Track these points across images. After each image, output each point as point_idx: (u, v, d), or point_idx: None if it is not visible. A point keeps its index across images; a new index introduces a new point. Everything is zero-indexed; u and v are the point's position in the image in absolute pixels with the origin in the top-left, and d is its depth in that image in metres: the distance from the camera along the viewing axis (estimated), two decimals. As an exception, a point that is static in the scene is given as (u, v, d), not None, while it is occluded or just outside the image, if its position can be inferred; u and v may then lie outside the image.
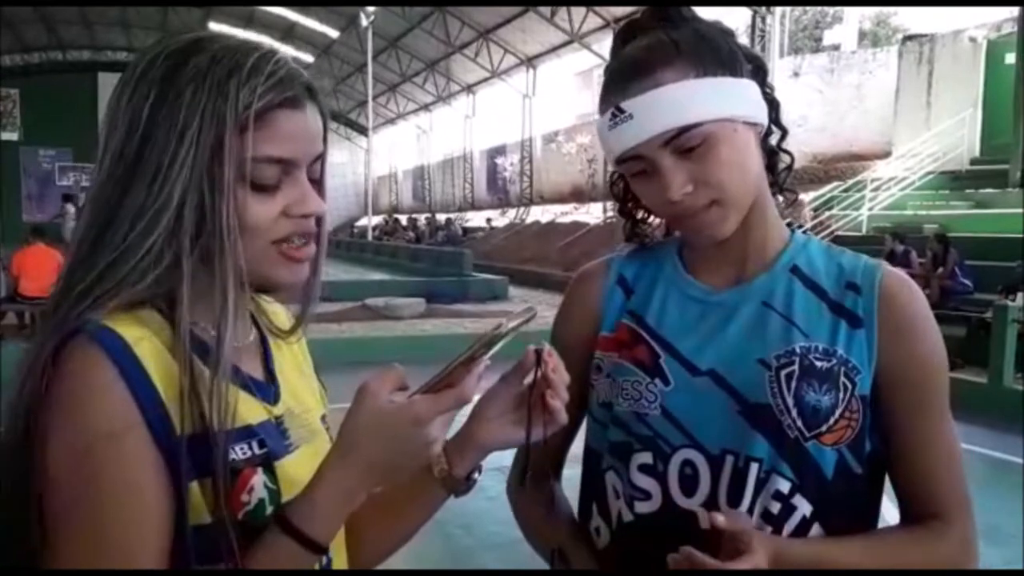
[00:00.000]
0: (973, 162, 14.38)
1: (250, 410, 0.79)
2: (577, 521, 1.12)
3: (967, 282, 9.44)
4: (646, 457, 1.00)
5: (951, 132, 14.16)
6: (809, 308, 0.99)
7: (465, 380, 0.74)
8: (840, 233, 12.83)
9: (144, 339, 0.72)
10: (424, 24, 26.91)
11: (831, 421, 0.94)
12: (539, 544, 1.13)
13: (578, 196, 25.55)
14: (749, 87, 0.96)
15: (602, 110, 0.98)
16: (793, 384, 0.95)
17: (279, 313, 0.96)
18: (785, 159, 1.06)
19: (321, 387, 0.97)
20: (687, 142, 0.92)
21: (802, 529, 0.96)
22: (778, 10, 17.35)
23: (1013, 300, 7.63)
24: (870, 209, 13.54)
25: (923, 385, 0.98)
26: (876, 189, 13.92)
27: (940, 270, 9.52)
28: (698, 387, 0.99)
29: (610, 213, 22.74)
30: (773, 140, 1.04)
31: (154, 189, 0.73)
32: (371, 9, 23.62)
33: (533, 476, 1.11)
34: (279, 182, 0.77)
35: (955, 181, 13.90)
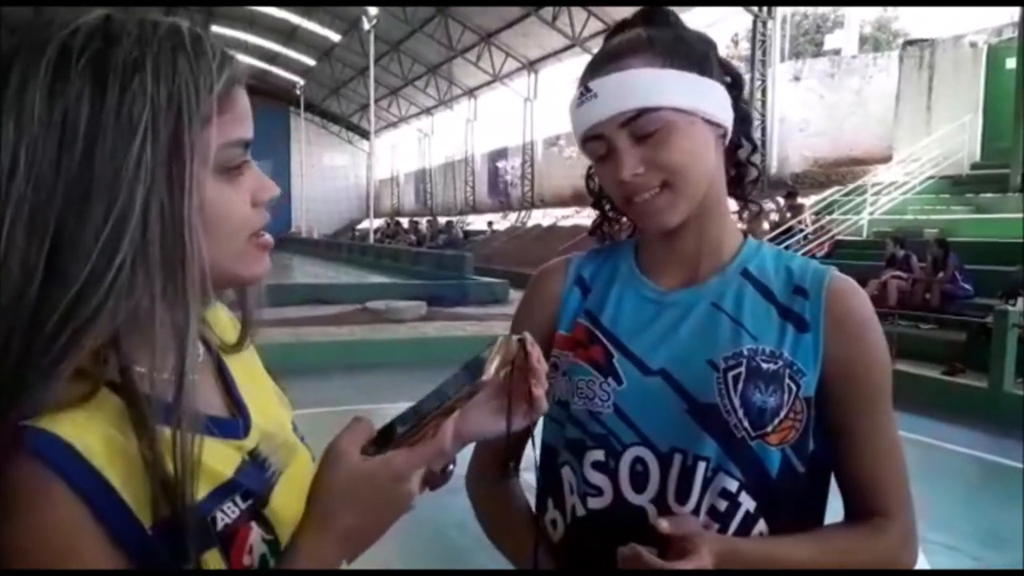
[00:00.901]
0: (974, 167, 14.37)
1: (222, 458, 0.73)
2: (532, 514, 1.14)
3: (967, 286, 9.42)
4: (599, 454, 1.03)
5: (952, 137, 14.15)
6: (758, 311, 1.02)
7: (443, 430, 0.71)
8: (841, 237, 12.82)
9: (94, 436, 0.64)
10: (426, 28, 26.96)
11: (776, 422, 0.97)
12: (496, 538, 1.18)
13: (579, 200, 25.50)
14: (716, 88, 1.00)
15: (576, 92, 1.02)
16: (740, 385, 0.98)
17: (223, 319, 0.87)
18: (752, 173, 1.11)
19: (278, 388, 0.92)
20: (645, 126, 0.96)
21: (746, 525, 0.98)
22: (779, 14, 17.37)
23: (1013, 305, 7.62)
24: (871, 213, 13.51)
25: (866, 386, 1.00)
26: (877, 193, 13.89)
27: (940, 274, 9.50)
28: (649, 386, 1.01)
29: (611, 217, 22.74)
30: (743, 154, 1.09)
31: (115, 196, 0.63)
32: (373, 12, 23.64)
33: (491, 471, 1.15)
34: (242, 168, 0.71)
35: (956, 186, 13.89)
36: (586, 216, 24.41)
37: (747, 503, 0.98)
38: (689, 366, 1.00)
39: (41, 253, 0.62)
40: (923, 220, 12.62)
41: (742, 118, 1.06)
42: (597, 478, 1.03)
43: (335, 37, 31.22)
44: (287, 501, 0.75)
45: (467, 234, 27.89)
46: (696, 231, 1.04)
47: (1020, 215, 10.52)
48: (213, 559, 0.68)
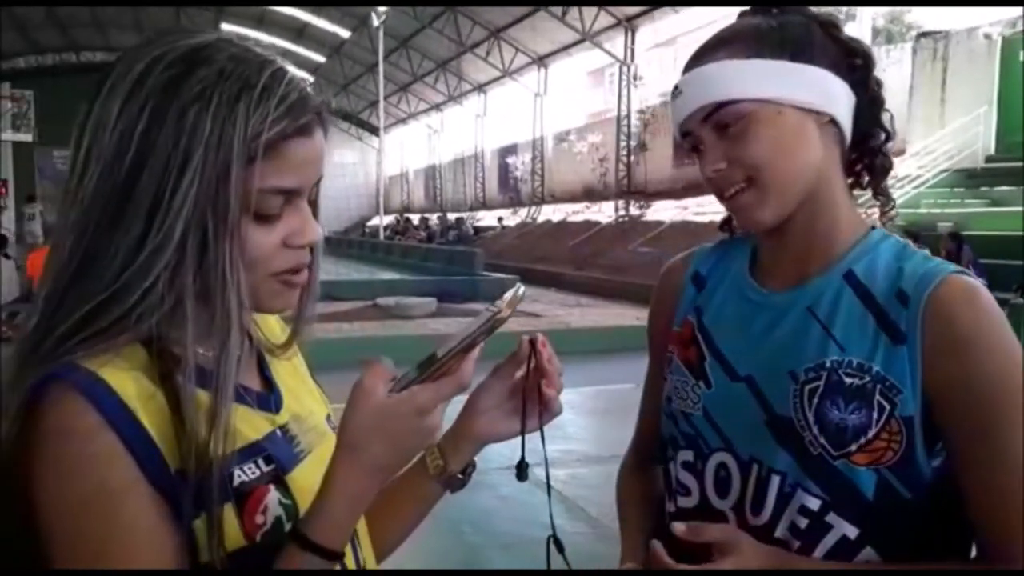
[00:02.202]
0: (988, 160, 14.25)
1: (252, 425, 0.76)
2: (654, 506, 1.15)
3: (982, 280, 9.36)
4: (688, 455, 1.03)
5: (966, 129, 14.05)
6: (852, 319, 0.93)
7: (463, 366, 0.73)
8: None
9: (128, 379, 0.67)
10: (435, 24, 26.94)
11: (862, 441, 0.89)
12: (621, 523, 1.18)
13: (589, 195, 25.52)
14: (814, 73, 0.93)
15: None
16: (816, 401, 0.91)
17: (273, 326, 0.91)
18: (882, 162, 1.01)
19: (320, 389, 0.95)
20: (723, 118, 0.93)
21: (845, 550, 0.91)
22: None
23: (1029, 298, 7.57)
24: (884, 207, 13.44)
25: (981, 410, 0.86)
26: (890, 187, 13.81)
27: (954, 268, 9.45)
28: (734, 393, 0.99)
29: (621, 212, 22.72)
30: (873, 142, 1.00)
31: (155, 222, 0.67)
32: (382, 9, 23.65)
33: (639, 460, 1.18)
34: (281, 212, 0.73)
35: (970, 179, 13.79)
36: (596, 211, 24.44)
37: (842, 526, 0.91)
38: (772, 375, 0.95)
39: (77, 253, 0.69)
40: (937, 214, 12.53)
41: (871, 101, 0.98)
42: (686, 478, 1.03)
43: (344, 34, 31.23)
44: (311, 477, 0.77)
45: (477, 230, 27.90)
46: (803, 228, 0.97)
47: (1035, 208, 10.42)
48: (226, 513, 0.70)
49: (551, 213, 26.64)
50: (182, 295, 0.69)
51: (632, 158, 23.61)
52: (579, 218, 23.93)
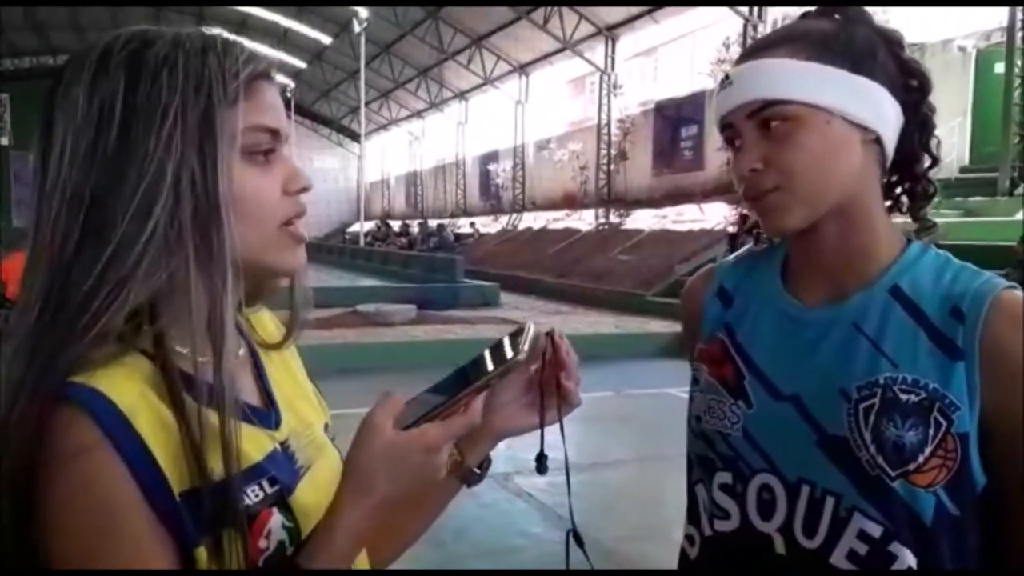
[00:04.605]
0: (963, 170, 14.46)
1: (255, 444, 0.75)
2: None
3: (957, 289, 9.46)
4: (726, 477, 0.99)
5: (941, 140, 14.19)
6: (903, 335, 0.90)
7: (474, 406, 0.74)
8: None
9: (136, 399, 0.67)
10: (417, 31, 26.95)
11: (920, 460, 0.86)
12: None
13: (570, 202, 25.58)
14: (871, 89, 0.91)
15: None
16: (872, 419, 0.88)
17: (267, 324, 0.91)
18: (925, 188, 1.00)
19: (317, 391, 0.95)
20: (771, 117, 0.90)
21: None
22: (769, 18, 17.42)
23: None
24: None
25: None
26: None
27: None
28: (779, 413, 0.94)
29: (601, 220, 22.81)
30: (918, 168, 0.99)
31: (147, 169, 0.68)
32: (364, 15, 23.63)
33: None
34: (271, 156, 0.75)
35: (945, 189, 13.74)
36: (577, 219, 24.51)
37: (902, 555, 0.88)
38: (821, 394, 0.92)
39: (77, 221, 0.69)
40: (911, 223, 12.67)
41: (921, 124, 0.96)
42: (724, 501, 0.99)
43: (326, 40, 31.17)
44: (312, 495, 0.77)
45: (458, 237, 27.89)
46: (837, 240, 0.94)
47: (1009, 218, 10.59)
48: (229, 538, 0.69)
49: (532, 220, 26.69)
50: (183, 235, 0.69)
51: (612, 167, 23.72)
52: (560, 226, 23.98)
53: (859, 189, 0.93)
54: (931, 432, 0.86)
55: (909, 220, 1.01)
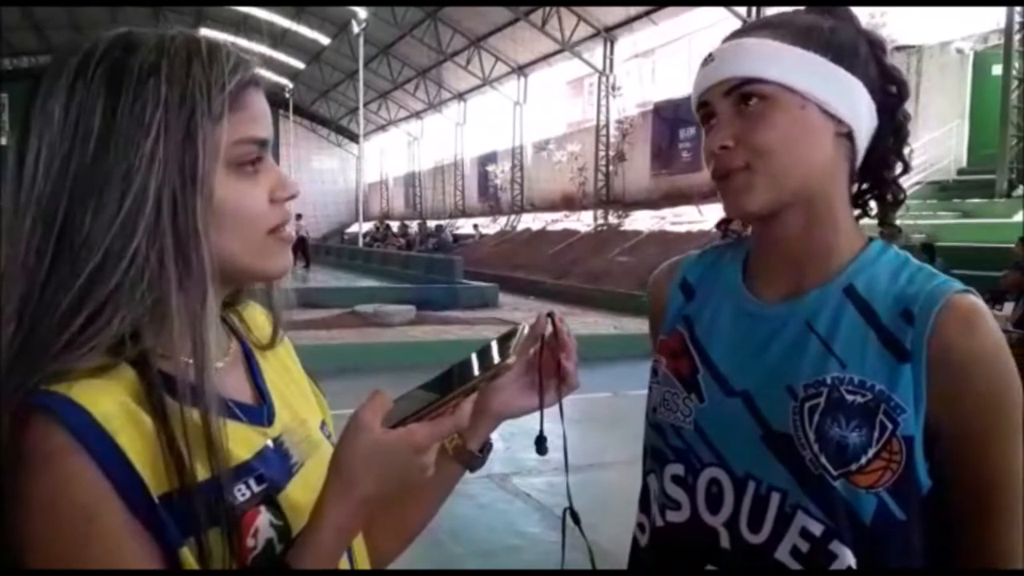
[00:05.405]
0: (960, 172, 14.48)
1: (243, 442, 0.75)
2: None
3: (954, 291, 9.46)
4: (678, 468, 1.00)
5: (939, 142, 14.22)
6: (854, 335, 0.90)
7: (462, 408, 0.73)
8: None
9: (112, 406, 0.66)
10: (415, 32, 26.96)
11: (863, 461, 0.87)
12: None
13: (568, 204, 25.59)
14: (850, 83, 0.91)
15: None
16: (816, 418, 0.89)
17: (259, 318, 0.90)
18: (894, 192, 1.00)
19: (315, 386, 0.94)
20: (746, 94, 0.90)
21: None
22: (768, 20, 17.43)
23: (1000, 310, 7.67)
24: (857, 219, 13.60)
25: (980, 435, 0.87)
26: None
27: (928, 279, 9.54)
28: (729, 408, 0.95)
29: (600, 221, 22.82)
30: (888, 174, 0.99)
31: (129, 187, 0.67)
32: (363, 16, 23.62)
33: None
34: (258, 164, 0.74)
35: (942, 191, 13.98)
36: (575, 220, 24.50)
37: (845, 556, 0.87)
38: (769, 391, 0.92)
39: (50, 239, 0.67)
40: (910, 225, 12.63)
41: (896, 130, 0.97)
42: (676, 492, 1.00)
43: (325, 40, 31.17)
44: (303, 493, 0.77)
45: (456, 238, 27.88)
46: (800, 235, 0.94)
47: (1006, 220, 10.60)
48: (215, 538, 0.68)
49: (530, 221, 26.69)
50: (163, 259, 0.68)
51: (610, 168, 23.73)
52: (558, 227, 23.98)
53: (826, 181, 0.93)
54: (876, 434, 0.86)
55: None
